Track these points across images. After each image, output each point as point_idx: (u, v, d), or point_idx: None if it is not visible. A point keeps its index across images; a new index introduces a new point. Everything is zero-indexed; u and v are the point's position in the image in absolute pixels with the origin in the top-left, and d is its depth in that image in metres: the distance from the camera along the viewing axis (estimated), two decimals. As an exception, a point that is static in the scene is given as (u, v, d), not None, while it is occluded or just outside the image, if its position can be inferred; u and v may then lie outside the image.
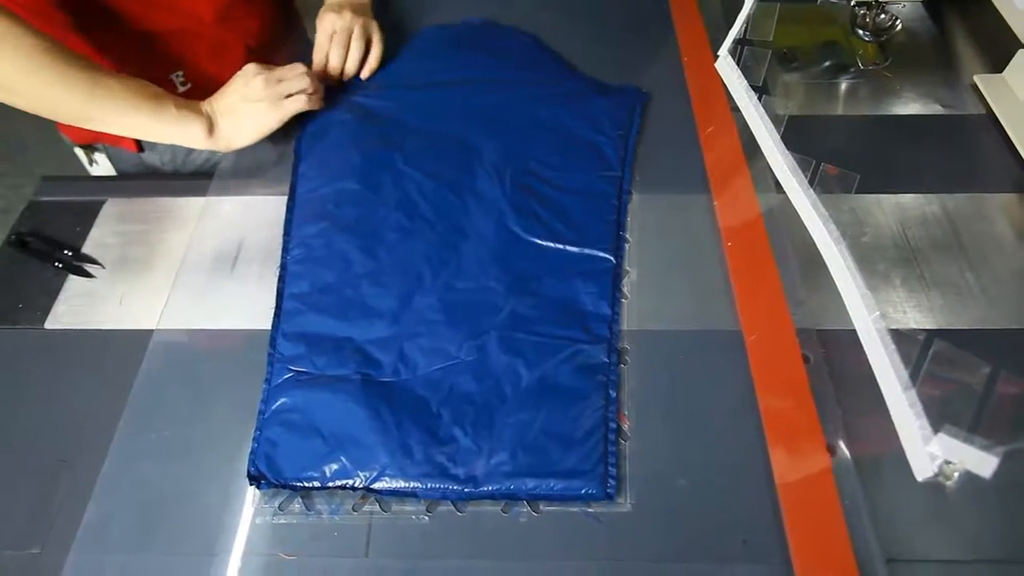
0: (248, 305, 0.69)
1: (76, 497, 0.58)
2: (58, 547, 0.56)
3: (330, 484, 0.57)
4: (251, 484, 0.58)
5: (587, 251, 0.69)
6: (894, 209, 0.74)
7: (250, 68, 0.76)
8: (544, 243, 0.70)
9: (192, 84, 0.90)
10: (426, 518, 0.56)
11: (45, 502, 0.58)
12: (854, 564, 0.51)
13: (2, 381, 0.65)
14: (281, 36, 0.99)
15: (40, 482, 0.59)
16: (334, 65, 0.85)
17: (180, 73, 0.88)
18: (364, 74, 0.87)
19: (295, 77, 0.78)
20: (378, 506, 0.57)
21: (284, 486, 0.58)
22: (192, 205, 0.78)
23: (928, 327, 0.64)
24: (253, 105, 0.75)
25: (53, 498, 0.58)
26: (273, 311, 0.68)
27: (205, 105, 0.75)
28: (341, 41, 0.85)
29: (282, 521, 0.56)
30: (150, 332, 0.68)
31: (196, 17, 0.86)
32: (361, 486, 0.57)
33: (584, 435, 0.59)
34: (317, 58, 0.85)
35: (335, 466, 0.58)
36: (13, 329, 0.68)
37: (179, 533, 0.56)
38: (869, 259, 0.68)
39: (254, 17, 0.93)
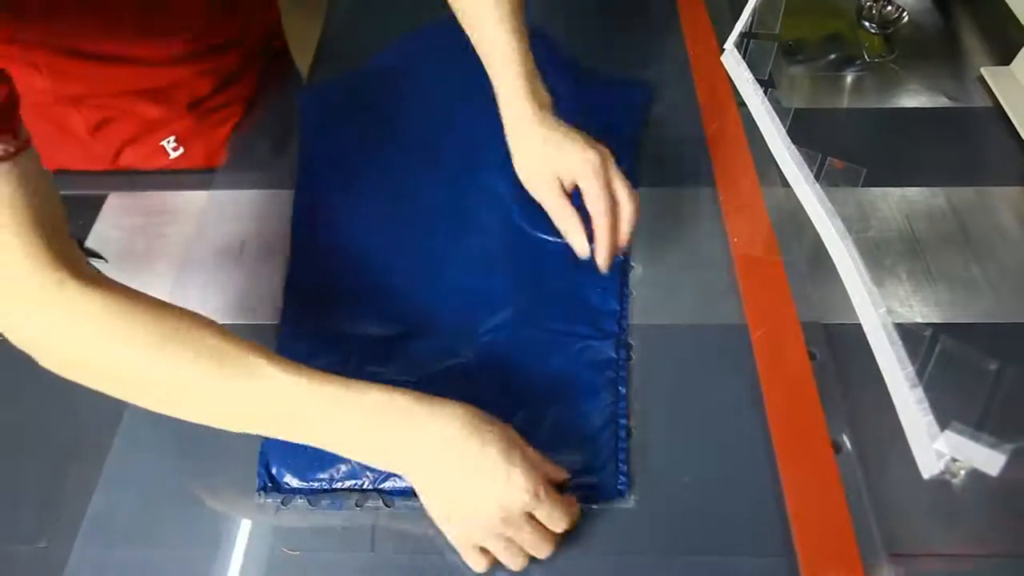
0: (252, 300, 0.69)
1: (82, 491, 0.58)
2: (65, 541, 0.56)
3: (338, 486, 0.57)
4: (264, 495, 0.57)
5: (594, 245, 0.69)
6: (900, 202, 0.73)
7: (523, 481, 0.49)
8: (551, 239, 0.70)
9: (185, 148, 0.83)
10: (431, 514, 0.56)
11: (52, 496, 0.58)
12: (858, 559, 0.51)
13: (6, 375, 0.65)
14: (277, 81, 0.91)
15: (46, 476, 0.59)
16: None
17: (172, 138, 0.82)
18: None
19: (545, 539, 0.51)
20: (381, 502, 0.57)
21: (293, 491, 0.57)
22: (195, 199, 0.78)
23: (934, 321, 0.64)
24: (473, 526, 0.51)
25: (60, 492, 0.58)
26: (280, 309, 0.67)
27: (412, 468, 0.52)
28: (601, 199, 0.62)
29: (286, 517, 0.56)
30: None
31: (190, 97, 0.81)
32: (370, 487, 0.57)
33: (595, 432, 0.58)
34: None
35: (343, 467, 0.57)
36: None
37: (182, 528, 0.56)
38: (875, 253, 0.68)
39: (251, 77, 0.88)
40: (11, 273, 0.47)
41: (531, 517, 0.50)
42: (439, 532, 0.55)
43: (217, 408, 0.51)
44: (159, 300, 0.50)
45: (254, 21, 0.87)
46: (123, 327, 0.48)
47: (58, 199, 0.50)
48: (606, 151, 0.62)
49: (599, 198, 0.60)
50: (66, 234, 0.50)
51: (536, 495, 0.49)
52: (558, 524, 0.51)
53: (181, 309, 0.51)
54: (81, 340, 0.48)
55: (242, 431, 0.51)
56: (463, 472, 0.50)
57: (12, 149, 0.46)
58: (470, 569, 0.53)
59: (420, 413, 0.51)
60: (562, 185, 0.63)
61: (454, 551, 0.54)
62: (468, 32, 0.68)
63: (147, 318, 0.49)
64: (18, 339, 0.49)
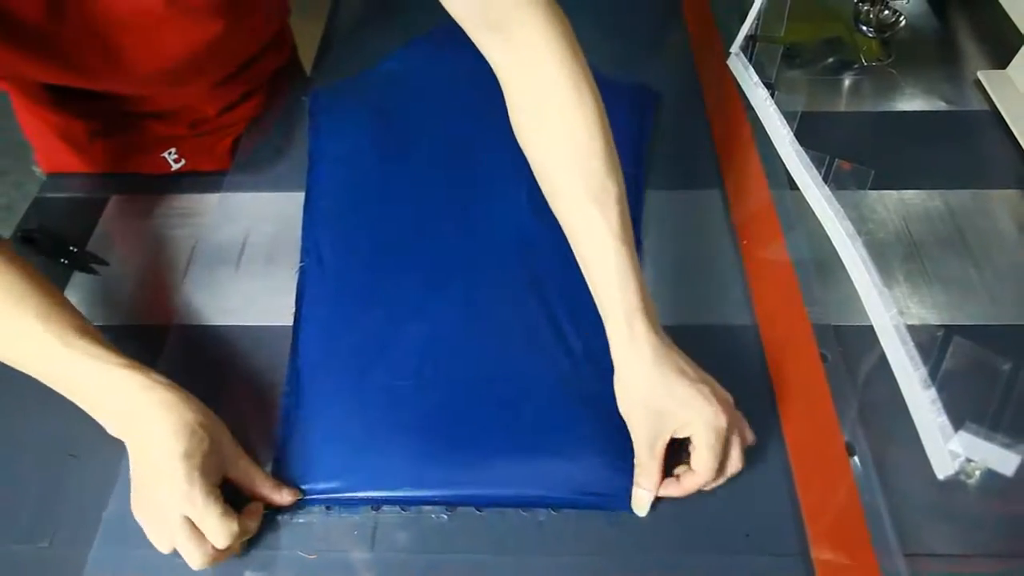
0: (262, 301, 0.69)
1: (87, 491, 0.58)
2: (67, 541, 0.56)
3: (353, 493, 0.57)
4: None
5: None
6: (897, 205, 0.74)
7: (181, 478, 0.51)
8: (563, 245, 0.70)
9: (187, 160, 0.82)
10: (445, 517, 0.56)
11: (53, 496, 0.58)
12: (873, 559, 0.52)
13: (10, 376, 0.64)
14: (284, 83, 0.90)
15: (49, 477, 0.59)
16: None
17: (173, 150, 0.81)
18: None
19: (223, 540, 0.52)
20: (398, 506, 0.57)
21: (308, 497, 0.57)
22: (195, 201, 0.78)
23: (930, 323, 0.64)
24: (157, 506, 0.52)
25: (62, 492, 0.58)
26: (293, 313, 0.67)
27: (129, 444, 0.54)
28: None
29: (301, 520, 0.56)
30: (154, 328, 0.67)
31: (197, 116, 0.81)
32: (385, 495, 0.57)
33: (610, 436, 0.58)
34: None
35: (358, 475, 0.57)
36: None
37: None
38: (873, 255, 0.68)
39: (257, 98, 0.86)
40: None
41: (191, 522, 0.51)
42: (455, 535, 0.55)
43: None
44: None
45: (270, 61, 0.87)
46: None
47: None
48: (736, 413, 0.55)
49: (710, 471, 0.53)
50: None
51: (192, 502, 0.51)
52: (213, 536, 0.51)
53: None
54: None
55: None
56: (151, 462, 0.52)
57: None
58: (488, 567, 0.54)
59: (142, 402, 0.53)
60: (665, 443, 0.55)
61: (472, 551, 0.54)
62: (569, 235, 0.61)
63: None
64: None
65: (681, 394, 0.53)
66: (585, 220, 0.58)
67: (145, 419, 0.52)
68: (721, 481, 0.55)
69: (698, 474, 0.54)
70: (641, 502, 0.55)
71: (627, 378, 0.56)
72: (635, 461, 0.56)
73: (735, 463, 0.54)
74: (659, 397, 0.54)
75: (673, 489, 0.55)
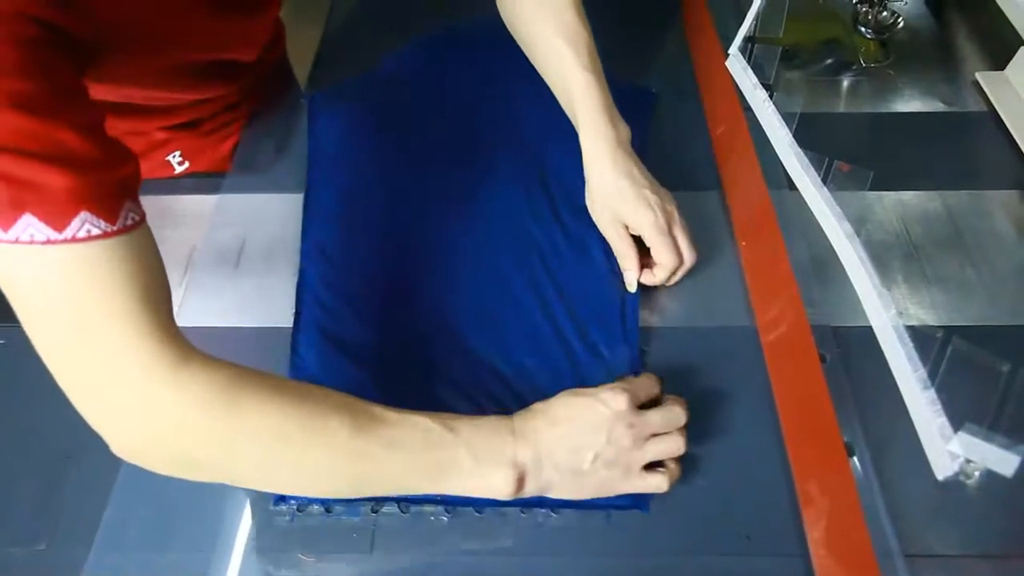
0: (261, 303, 0.68)
1: (84, 494, 0.58)
2: (64, 543, 0.56)
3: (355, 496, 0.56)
4: (276, 504, 0.57)
5: (604, 252, 0.69)
6: (896, 206, 0.74)
7: (612, 408, 0.53)
8: (562, 246, 0.70)
9: (191, 163, 0.82)
10: (444, 518, 0.56)
11: (51, 498, 0.58)
12: (873, 560, 0.52)
13: (6, 379, 0.64)
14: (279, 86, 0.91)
15: (46, 479, 0.59)
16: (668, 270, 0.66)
17: (178, 153, 0.81)
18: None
19: (671, 438, 0.54)
20: (396, 507, 0.57)
21: (310, 501, 0.57)
22: (194, 203, 0.77)
23: (930, 324, 0.64)
24: (598, 470, 0.53)
25: (59, 494, 0.58)
26: (293, 316, 0.67)
27: (520, 448, 0.52)
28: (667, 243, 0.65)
29: (300, 522, 0.56)
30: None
31: (191, 118, 0.80)
32: (388, 496, 0.56)
33: None
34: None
35: None
36: (18, 326, 0.67)
37: (198, 533, 0.56)
38: (871, 256, 0.68)
39: (253, 98, 0.87)
40: (129, 349, 0.45)
41: (639, 413, 0.54)
42: (454, 535, 0.55)
43: (364, 468, 0.50)
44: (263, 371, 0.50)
45: (269, 61, 0.87)
46: (253, 395, 0.48)
47: (166, 277, 0.49)
48: (671, 208, 0.65)
49: (667, 258, 0.65)
50: (172, 312, 0.49)
51: (626, 391, 0.54)
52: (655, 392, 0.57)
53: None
54: (207, 416, 0.47)
55: (370, 494, 0.53)
56: (565, 435, 0.53)
57: (138, 218, 0.46)
58: (488, 567, 0.54)
59: (518, 427, 0.54)
60: (627, 227, 0.67)
61: (472, 552, 0.54)
62: (545, 76, 0.72)
63: (271, 383, 0.49)
64: (130, 431, 0.48)
65: (629, 199, 0.64)
66: (556, 55, 0.68)
67: (541, 436, 0.53)
68: (687, 266, 0.66)
69: (661, 265, 0.65)
70: (630, 280, 0.67)
71: (592, 186, 0.68)
72: (613, 248, 0.68)
73: (688, 253, 0.65)
74: (612, 199, 0.66)
75: (650, 278, 0.67)
